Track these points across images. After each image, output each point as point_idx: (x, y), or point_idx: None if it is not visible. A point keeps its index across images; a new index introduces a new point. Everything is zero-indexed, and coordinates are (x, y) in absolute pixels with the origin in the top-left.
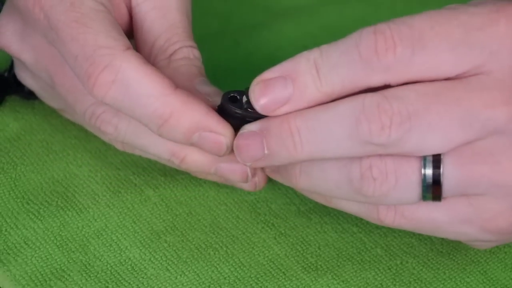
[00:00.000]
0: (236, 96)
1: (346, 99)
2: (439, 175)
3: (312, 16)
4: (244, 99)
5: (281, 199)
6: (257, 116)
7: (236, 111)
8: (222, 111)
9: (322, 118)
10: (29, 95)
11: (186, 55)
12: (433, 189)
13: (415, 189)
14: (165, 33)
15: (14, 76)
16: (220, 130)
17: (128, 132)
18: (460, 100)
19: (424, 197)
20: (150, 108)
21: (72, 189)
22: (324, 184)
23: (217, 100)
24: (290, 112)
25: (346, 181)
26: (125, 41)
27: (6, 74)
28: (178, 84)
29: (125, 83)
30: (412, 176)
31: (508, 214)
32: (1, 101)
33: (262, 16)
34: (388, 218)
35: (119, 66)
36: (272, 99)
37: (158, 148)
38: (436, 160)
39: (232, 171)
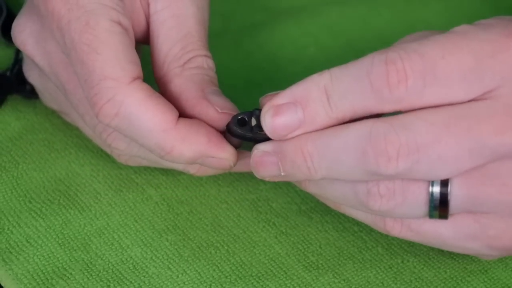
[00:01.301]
0: (245, 118)
1: (354, 126)
2: (446, 195)
3: (312, 16)
4: (253, 121)
5: (282, 198)
6: (267, 137)
7: (246, 135)
8: (230, 132)
9: (332, 145)
10: (30, 95)
11: (200, 64)
12: (440, 209)
13: (422, 208)
14: (181, 41)
15: (16, 75)
16: (222, 155)
17: (141, 148)
18: (469, 129)
19: (430, 215)
20: (152, 142)
21: (74, 188)
22: (331, 193)
23: (228, 112)
24: (302, 135)
25: (353, 194)
26: (133, 70)
27: (8, 74)
28: (189, 93)
29: (127, 117)
30: (419, 195)
31: None
32: (3, 100)
33: (263, 16)
34: (395, 229)
35: (122, 101)
36: (283, 126)
37: (171, 163)
38: (444, 182)
39: (246, 165)
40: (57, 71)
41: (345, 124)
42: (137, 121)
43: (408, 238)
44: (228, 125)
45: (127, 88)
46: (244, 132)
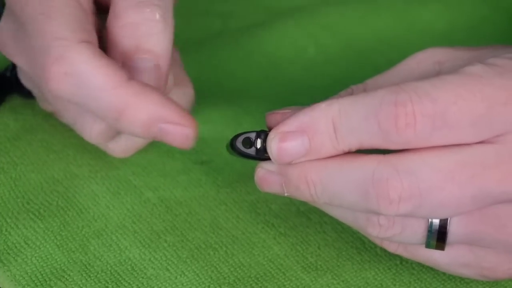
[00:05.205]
0: (250, 138)
1: (358, 163)
2: (445, 232)
3: (312, 16)
4: (259, 143)
5: (281, 199)
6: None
7: (250, 155)
8: (233, 148)
9: (335, 179)
10: (29, 95)
11: (135, 19)
12: (437, 242)
13: (419, 240)
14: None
15: (15, 76)
16: (180, 120)
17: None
18: (474, 176)
19: (427, 246)
20: (104, 102)
21: (72, 189)
22: (332, 213)
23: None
24: (307, 162)
25: (353, 218)
26: (84, 34)
27: (8, 73)
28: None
29: (77, 76)
30: (418, 229)
31: (507, 267)
32: (2, 100)
33: (263, 16)
34: (391, 247)
35: (72, 58)
36: (289, 154)
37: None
38: (443, 220)
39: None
40: (36, 69)
41: (350, 158)
42: (87, 79)
43: (404, 256)
44: (231, 142)
45: (77, 46)
46: (248, 152)
